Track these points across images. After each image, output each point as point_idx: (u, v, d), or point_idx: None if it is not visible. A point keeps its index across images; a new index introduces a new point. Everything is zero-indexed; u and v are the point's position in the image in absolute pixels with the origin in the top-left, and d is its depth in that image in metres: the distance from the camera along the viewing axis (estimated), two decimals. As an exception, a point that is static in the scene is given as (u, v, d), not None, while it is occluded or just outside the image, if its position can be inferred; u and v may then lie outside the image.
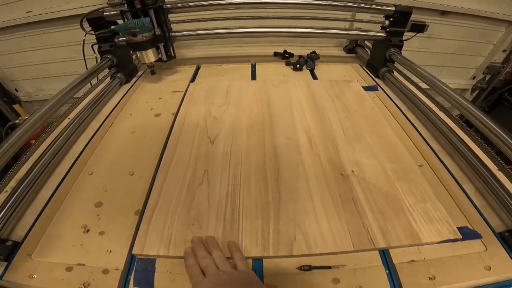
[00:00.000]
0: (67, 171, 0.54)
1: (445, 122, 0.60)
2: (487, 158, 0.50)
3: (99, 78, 0.84)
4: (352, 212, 0.43)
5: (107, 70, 0.86)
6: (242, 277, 0.36)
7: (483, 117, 0.51)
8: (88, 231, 0.43)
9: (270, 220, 0.42)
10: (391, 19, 0.81)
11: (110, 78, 0.87)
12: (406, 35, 0.85)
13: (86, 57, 0.90)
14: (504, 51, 1.45)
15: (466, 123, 0.60)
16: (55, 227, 0.43)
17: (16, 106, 1.55)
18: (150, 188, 0.49)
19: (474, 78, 1.64)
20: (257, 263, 0.39)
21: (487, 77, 1.62)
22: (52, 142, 0.58)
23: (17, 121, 1.25)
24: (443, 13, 1.25)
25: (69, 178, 0.53)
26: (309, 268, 0.38)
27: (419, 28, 0.80)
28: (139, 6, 0.70)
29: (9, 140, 0.49)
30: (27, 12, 1.19)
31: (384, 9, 0.80)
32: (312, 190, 0.47)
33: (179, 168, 0.52)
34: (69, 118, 0.68)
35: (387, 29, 0.83)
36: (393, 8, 0.79)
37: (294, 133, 0.60)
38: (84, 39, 0.85)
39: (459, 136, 0.55)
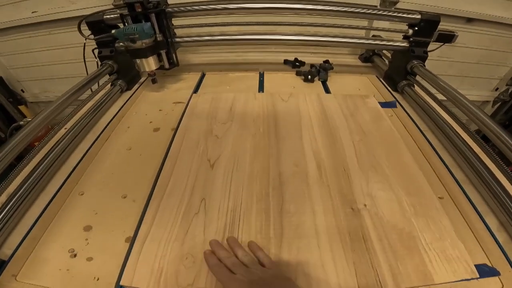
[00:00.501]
0: (58, 188, 0.51)
1: (470, 147, 0.54)
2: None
3: (100, 84, 0.81)
4: (361, 251, 0.39)
5: (108, 76, 0.83)
6: (276, 274, 0.35)
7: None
8: (75, 255, 0.40)
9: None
10: (416, 28, 0.73)
11: (111, 85, 0.83)
12: (431, 45, 0.77)
13: (90, 60, 0.86)
14: (531, 61, 1.35)
15: (483, 138, 0.56)
16: (41, 248, 0.41)
17: (22, 107, 1.54)
18: (143, 213, 0.45)
19: (496, 89, 1.54)
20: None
21: (510, 89, 1.52)
22: (46, 154, 0.55)
23: (21, 122, 1.24)
24: (469, 20, 1.16)
25: (59, 197, 0.49)
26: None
27: (447, 38, 0.72)
28: (139, 10, 0.65)
29: (6, 147, 0.48)
30: (33, 12, 1.17)
31: (408, 17, 0.72)
32: (318, 226, 0.42)
33: (174, 194, 0.48)
34: (65, 128, 0.65)
35: (410, 39, 0.75)
36: (419, 16, 0.71)
37: (303, 159, 0.54)
38: (84, 43, 0.81)
39: (485, 164, 0.49)
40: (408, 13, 0.71)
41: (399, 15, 0.72)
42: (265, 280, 0.33)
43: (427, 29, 0.72)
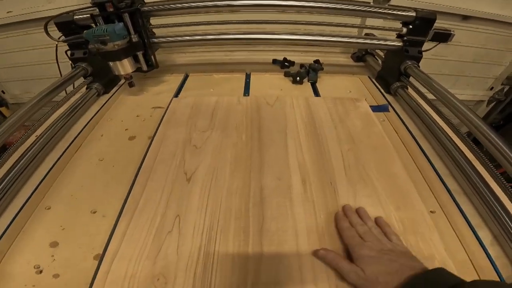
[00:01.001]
0: (25, 202, 0.47)
1: (463, 154, 0.51)
2: (507, 200, 0.43)
3: (75, 87, 0.76)
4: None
5: (83, 78, 0.78)
6: (404, 251, 0.35)
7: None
8: (41, 272, 0.38)
9: (247, 282, 0.35)
10: (410, 26, 0.68)
11: (86, 89, 0.78)
12: (426, 44, 0.73)
13: (66, 61, 0.80)
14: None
15: (473, 141, 0.54)
16: (7, 263, 0.39)
17: (2, 109, 1.48)
18: (113, 230, 0.42)
19: (491, 89, 1.51)
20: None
21: (506, 88, 1.49)
22: (14, 164, 0.51)
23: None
24: (465, 18, 1.13)
25: (25, 211, 0.46)
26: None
27: (443, 37, 0.68)
28: (111, 9, 0.60)
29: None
30: (7, 12, 1.10)
31: (402, 15, 0.67)
32: (300, 246, 0.39)
33: (147, 210, 0.44)
34: (36, 136, 0.61)
35: (404, 38, 0.71)
36: (414, 14, 0.66)
37: (286, 171, 0.50)
38: (56, 44, 0.76)
39: (478, 173, 0.47)
40: (402, 10, 0.67)
41: (393, 12, 0.68)
42: (394, 252, 0.34)
43: (422, 27, 0.68)
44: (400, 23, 0.72)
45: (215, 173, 0.50)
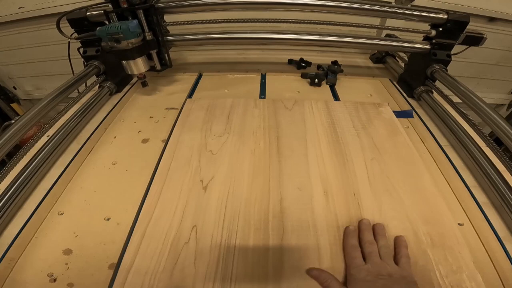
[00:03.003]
0: (36, 207, 0.46)
1: (493, 164, 0.49)
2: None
3: (87, 85, 0.74)
4: None
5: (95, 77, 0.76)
6: (405, 277, 0.34)
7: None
8: (55, 280, 0.37)
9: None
10: (440, 28, 0.65)
11: (99, 87, 0.77)
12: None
13: (79, 58, 0.79)
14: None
15: (496, 141, 0.52)
16: (19, 271, 0.39)
17: (14, 105, 1.48)
18: (128, 239, 0.41)
19: (512, 92, 1.45)
20: None
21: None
22: (25, 166, 0.50)
23: (13, 121, 1.18)
24: (491, 19, 1.07)
25: (37, 216, 0.45)
26: None
27: (475, 41, 0.64)
28: (125, 6, 0.57)
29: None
30: (19, 8, 1.10)
31: (433, 17, 0.63)
32: (322, 259, 0.37)
33: (162, 219, 0.43)
34: (48, 136, 0.60)
35: (433, 41, 0.67)
36: (446, 16, 0.62)
37: (307, 181, 0.48)
38: (69, 41, 0.75)
39: (509, 185, 0.45)
40: (433, 12, 0.63)
41: (422, 14, 0.63)
42: (393, 278, 0.33)
43: (453, 30, 0.64)
44: (429, 25, 0.68)
45: (233, 182, 0.48)
